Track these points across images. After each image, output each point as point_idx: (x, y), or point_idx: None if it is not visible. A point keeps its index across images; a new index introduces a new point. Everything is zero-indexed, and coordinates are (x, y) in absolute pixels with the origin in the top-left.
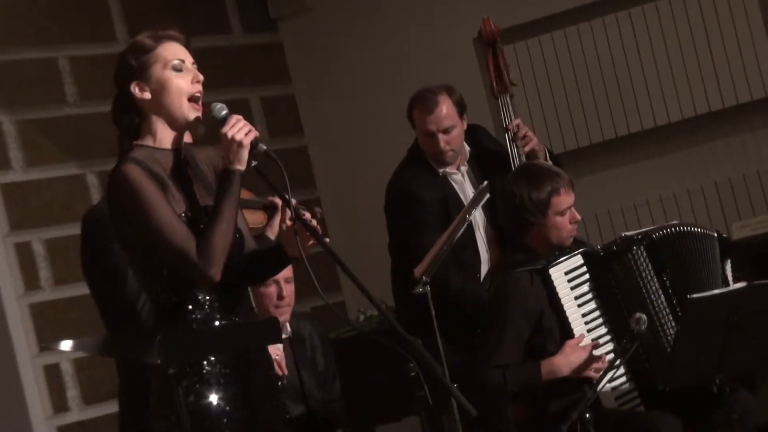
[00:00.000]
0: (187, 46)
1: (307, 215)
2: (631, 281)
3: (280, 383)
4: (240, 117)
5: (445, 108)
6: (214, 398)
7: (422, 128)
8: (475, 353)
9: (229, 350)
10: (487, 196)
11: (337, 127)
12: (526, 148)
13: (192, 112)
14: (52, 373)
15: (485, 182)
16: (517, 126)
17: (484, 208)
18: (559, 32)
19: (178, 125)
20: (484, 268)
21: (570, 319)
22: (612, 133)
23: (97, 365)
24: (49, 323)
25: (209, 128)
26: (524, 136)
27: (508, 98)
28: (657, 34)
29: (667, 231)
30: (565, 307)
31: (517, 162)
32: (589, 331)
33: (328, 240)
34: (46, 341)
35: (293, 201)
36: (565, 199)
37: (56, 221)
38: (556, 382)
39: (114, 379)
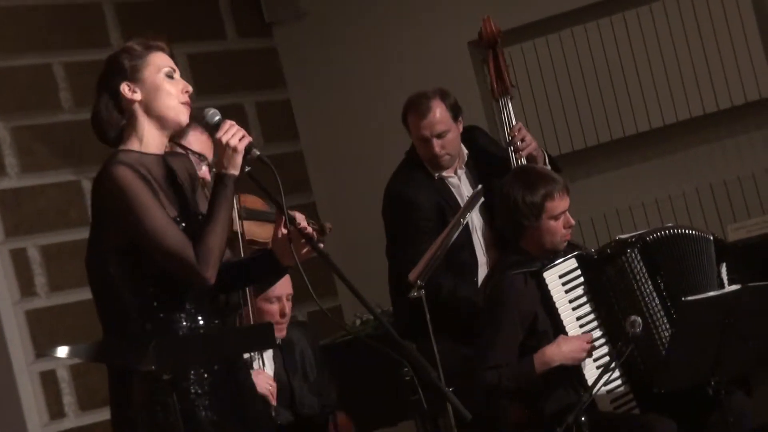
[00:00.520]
0: (173, 56)
1: (302, 223)
2: (625, 284)
3: (273, 414)
4: (233, 122)
5: (439, 113)
6: (201, 408)
7: (416, 133)
8: (473, 351)
9: (223, 355)
10: (482, 199)
11: (333, 131)
12: (524, 153)
13: (181, 114)
14: (48, 380)
15: (479, 185)
16: (518, 130)
17: (482, 210)
18: (553, 35)
19: (168, 126)
20: (482, 271)
21: (565, 323)
22: (607, 136)
23: (94, 372)
24: (45, 330)
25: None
26: (523, 139)
27: (508, 100)
28: (651, 36)
29: (661, 233)
30: (560, 311)
31: (516, 164)
32: (584, 334)
33: (322, 245)
34: (42, 348)
35: (301, 217)
36: (560, 204)
37: (52, 227)
38: (552, 385)
39: None
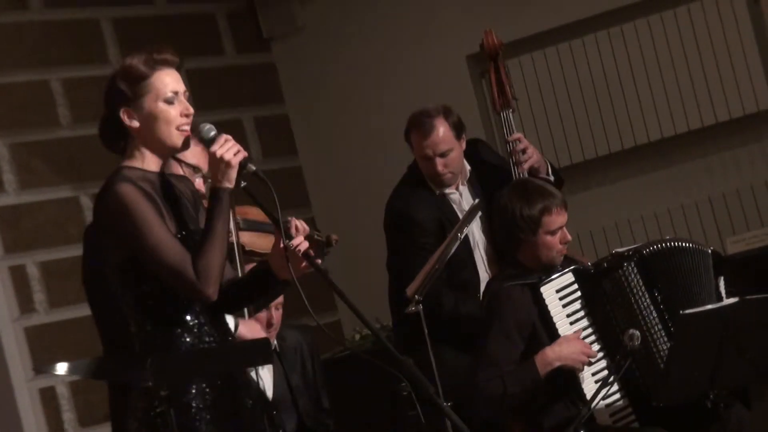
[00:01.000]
0: (179, 68)
1: (298, 241)
2: (622, 297)
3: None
4: (229, 137)
5: (442, 131)
6: (201, 422)
7: (419, 152)
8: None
9: (221, 371)
10: (479, 213)
11: (331, 146)
12: (526, 165)
13: (179, 138)
14: (48, 396)
15: (476, 200)
16: (518, 140)
17: (483, 226)
18: (551, 49)
19: (164, 151)
20: (483, 286)
21: (561, 336)
22: (606, 149)
23: (93, 388)
24: (44, 346)
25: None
26: (524, 150)
27: (509, 113)
28: (649, 50)
29: (657, 246)
30: (557, 325)
31: (517, 177)
32: None
33: (323, 259)
34: (42, 364)
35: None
36: (557, 219)
37: (50, 244)
38: (550, 399)
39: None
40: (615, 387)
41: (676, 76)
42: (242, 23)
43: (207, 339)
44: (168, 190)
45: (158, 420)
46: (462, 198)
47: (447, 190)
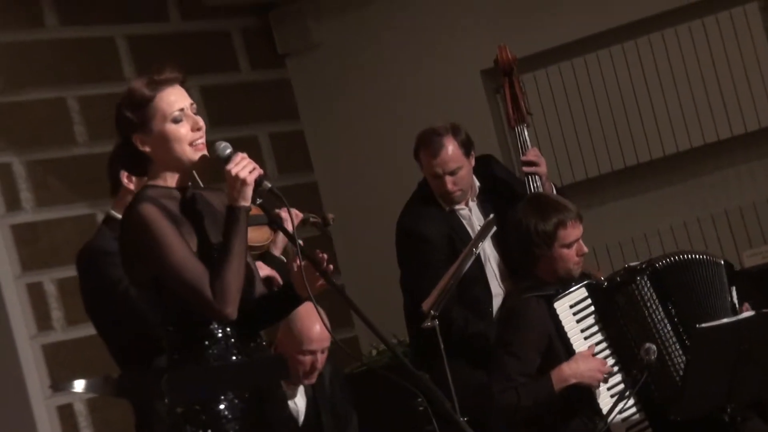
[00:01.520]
0: (183, 83)
1: (320, 254)
2: (636, 311)
3: None
4: (245, 155)
5: (451, 150)
6: None
7: (429, 171)
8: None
9: (237, 388)
10: (494, 228)
11: (347, 162)
12: (530, 169)
13: (195, 154)
14: (66, 414)
15: (491, 215)
16: (534, 155)
17: (495, 241)
18: (565, 63)
19: (182, 168)
20: (496, 302)
21: (577, 352)
22: (621, 163)
23: (111, 405)
24: (61, 364)
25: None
26: (536, 163)
27: (524, 128)
28: (663, 63)
29: (670, 259)
30: (572, 340)
31: (531, 188)
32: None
33: (331, 267)
34: (59, 382)
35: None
36: (572, 232)
37: (67, 261)
38: (567, 414)
39: (127, 418)
40: (631, 401)
41: (691, 90)
42: (257, 40)
43: (234, 351)
44: (192, 206)
45: (187, 429)
46: (472, 214)
47: (457, 207)
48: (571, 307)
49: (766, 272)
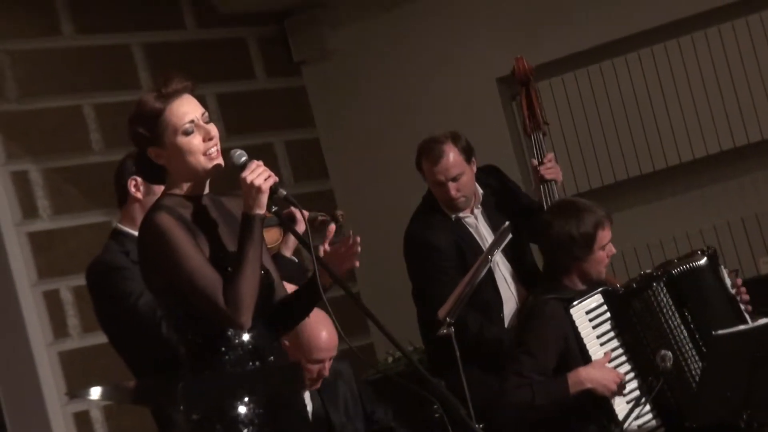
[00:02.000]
0: (193, 91)
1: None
2: (652, 318)
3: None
4: (260, 162)
5: (452, 156)
6: None
7: (432, 178)
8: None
9: (253, 395)
10: (510, 236)
11: (362, 169)
12: (549, 175)
13: (210, 163)
14: (82, 421)
15: (507, 222)
16: (550, 160)
17: (504, 248)
18: (581, 71)
19: (198, 178)
20: (507, 306)
21: (593, 358)
22: (637, 170)
23: (127, 413)
24: (78, 371)
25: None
26: (551, 167)
27: (540, 136)
28: (680, 70)
29: (687, 266)
30: (588, 346)
31: (544, 194)
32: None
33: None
34: (76, 389)
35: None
36: (608, 233)
37: (84, 269)
38: (582, 421)
39: (143, 426)
40: (647, 407)
41: (708, 98)
42: (273, 48)
43: (250, 357)
44: (208, 214)
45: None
46: (478, 222)
47: (462, 215)
48: (587, 313)
49: None
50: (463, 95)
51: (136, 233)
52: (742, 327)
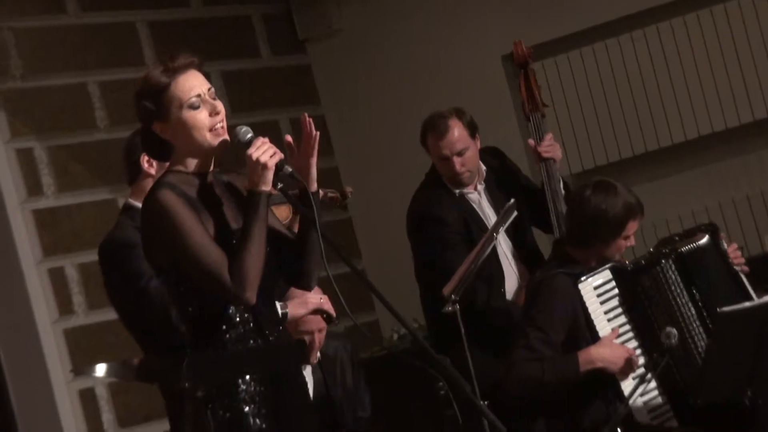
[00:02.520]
0: (200, 67)
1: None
2: (660, 295)
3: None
4: (266, 139)
5: (457, 131)
6: (249, 416)
7: (437, 153)
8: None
9: (256, 372)
10: (515, 213)
11: (367, 147)
12: (546, 154)
13: (215, 139)
14: (87, 398)
15: (512, 200)
16: (549, 141)
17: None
18: (587, 48)
19: (204, 154)
20: (508, 282)
21: (600, 334)
22: (642, 148)
23: (132, 390)
24: (83, 348)
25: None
26: (550, 145)
27: (539, 117)
28: (685, 47)
29: (693, 244)
30: (595, 322)
31: (544, 175)
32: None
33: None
34: (81, 366)
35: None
36: (636, 225)
37: (89, 246)
38: (588, 397)
39: (148, 403)
40: (653, 384)
41: (713, 74)
42: (278, 25)
43: (252, 335)
44: (213, 191)
45: (208, 414)
46: (481, 197)
47: (465, 191)
48: (596, 288)
49: None
50: (468, 72)
51: None
52: (747, 304)
